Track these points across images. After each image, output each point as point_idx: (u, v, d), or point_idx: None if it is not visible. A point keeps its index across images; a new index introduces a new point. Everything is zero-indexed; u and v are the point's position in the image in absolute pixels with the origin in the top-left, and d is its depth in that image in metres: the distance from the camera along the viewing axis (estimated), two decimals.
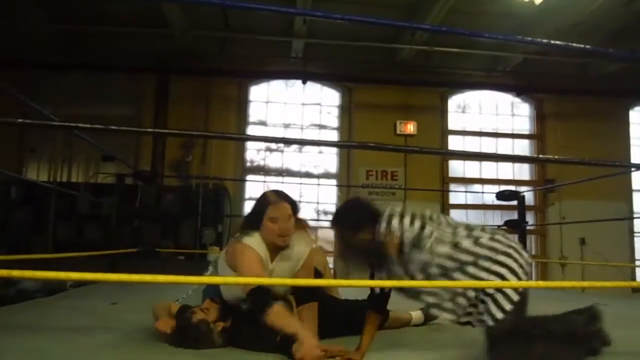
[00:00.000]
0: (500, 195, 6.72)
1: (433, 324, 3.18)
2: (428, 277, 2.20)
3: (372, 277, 2.37)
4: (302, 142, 10.30)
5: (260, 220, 2.64)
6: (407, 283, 2.23)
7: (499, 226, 7.15)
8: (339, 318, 2.77)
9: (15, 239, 8.13)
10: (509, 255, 2.19)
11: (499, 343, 2.06)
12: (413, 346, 2.64)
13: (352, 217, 2.43)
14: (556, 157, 7.26)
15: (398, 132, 9.40)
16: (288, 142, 10.44)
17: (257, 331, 2.40)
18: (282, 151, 9.93)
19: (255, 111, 9.96)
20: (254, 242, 2.62)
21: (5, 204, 8.40)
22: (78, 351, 2.32)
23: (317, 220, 9.60)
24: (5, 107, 6.88)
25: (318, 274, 2.82)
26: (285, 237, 2.64)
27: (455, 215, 9.60)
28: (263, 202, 2.70)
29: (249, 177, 9.73)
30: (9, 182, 8.40)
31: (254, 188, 9.38)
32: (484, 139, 10.43)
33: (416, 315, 3.16)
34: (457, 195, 9.93)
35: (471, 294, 2.19)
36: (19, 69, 8.77)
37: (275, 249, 2.67)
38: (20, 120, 1.96)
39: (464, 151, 9.24)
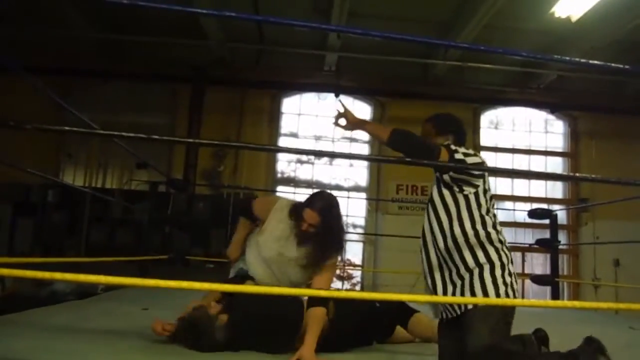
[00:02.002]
0: (532, 213, 6.63)
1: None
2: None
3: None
4: (332, 155, 10.32)
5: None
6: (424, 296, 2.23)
7: (530, 245, 7.06)
8: (353, 329, 2.82)
9: (50, 241, 8.34)
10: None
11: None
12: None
13: (447, 121, 2.66)
14: (591, 175, 7.13)
15: None
16: (318, 154, 10.46)
17: (261, 327, 2.53)
18: (312, 163, 9.97)
19: (287, 123, 10.05)
20: (284, 203, 2.96)
21: (42, 206, 8.62)
22: (112, 353, 2.37)
23: (347, 232, 9.58)
24: (44, 112, 7.11)
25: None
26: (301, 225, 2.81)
27: None
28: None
29: (279, 188, 9.79)
30: (47, 186, 8.62)
31: None
32: (517, 156, 10.31)
33: None
34: None
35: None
36: (58, 75, 9.00)
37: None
38: (67, 128, 2.02)
39: (494, 167, 9.11)
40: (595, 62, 2.14)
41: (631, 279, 8.81)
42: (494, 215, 2.47)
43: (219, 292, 2.81)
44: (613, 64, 2.08)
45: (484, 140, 10.12)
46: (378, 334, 3.02)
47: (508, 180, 10.10)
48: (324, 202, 2.89)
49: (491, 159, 10.06)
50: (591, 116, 9.98)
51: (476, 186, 2.42)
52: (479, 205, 2.41)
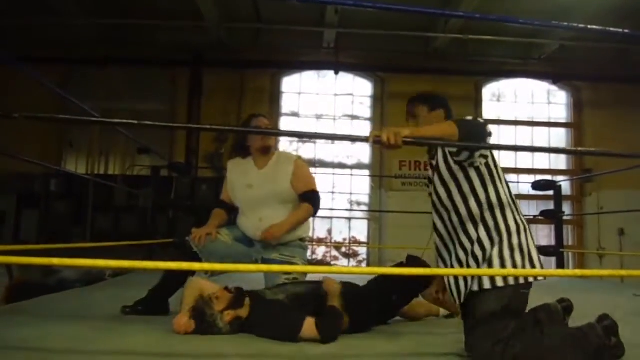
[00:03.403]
0: (536, 185, 6.62)
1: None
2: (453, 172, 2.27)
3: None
4: (333, 137, 10.28)
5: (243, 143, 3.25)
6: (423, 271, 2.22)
7: (534, 216, 7.06)
8: (369, 317, 2.79)
9: (55, 230, 8.36)
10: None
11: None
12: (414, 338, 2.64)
13: (435, 96, 2.59)
14: (592, 149, 7.10)
15: None
16: (316, 137, 10.43)
17: (274, 319, 2.49)
18: (314, 142, 9.94)
19: (287, 102, 10.00)
20: (232, 163, 3.30)
21: (45, 196, 8.64)
22: (119, 338, 2.39)
23: (351, 210, 9.61)
24: (46, 101, 7.09)
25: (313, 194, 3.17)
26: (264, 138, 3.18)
27: None
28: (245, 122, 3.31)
29: None
30: (49, 175, 8.63)
31: None
32: (519, 128, 10.26)
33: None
34: None
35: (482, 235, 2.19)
36: (58, 63, 8.97)
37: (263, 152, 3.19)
38: (69, 116, 2.01)
39: (497, 145, 9.08)
40: (594, 26, 2.11)
41: (636, 247, 8.81)
42: (507, 184, 2.32)
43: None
44: (612, 29, 2.05)
45: (486, 113, 10.05)
46: (393, 314, 3.00)
47: (511, 152, 10.06)
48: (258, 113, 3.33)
49: (494, 132, 9.97)
50: (594, 86, 9.89)
51: (486, 156, 2.27)
52: (492, 176, 2.27)
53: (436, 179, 2.35)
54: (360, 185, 9.80)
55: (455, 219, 2.27)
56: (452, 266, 2.28)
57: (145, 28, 8.85)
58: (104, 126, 9.17)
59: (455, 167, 2.28)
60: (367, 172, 9.88)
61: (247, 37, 9.32)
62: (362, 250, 9.84)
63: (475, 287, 2.13)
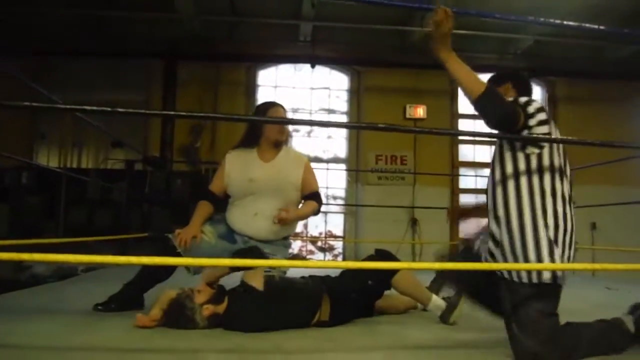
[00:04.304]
0: None
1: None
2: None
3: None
4: (311, 123, 10.25)
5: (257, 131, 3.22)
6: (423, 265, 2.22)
7: None
8: (349, 304, 2.80)
9: (27, 225, 8.20)
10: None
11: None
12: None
13: (499, 74, 2.65)
14: (564, 137, 7.16)
15: (407, 116, 9.32)
16: (297, 123, 10.41)
17: (253, 313, 2.51)
18: (290, 136, 9.89)
19: (263, 96, 9.93)
20: (231, 154, 3.32)
21: (16, 190, 8.46)
22: (92, 334, 2.35)
23: (327, 204, 9.61)
24: (17, 94, 6.93)
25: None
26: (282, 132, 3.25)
27: (465, 200, 9.58)
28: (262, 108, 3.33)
29: None
30: (20, 168, 8.45)
31: None
32: None
33: (434, 301, 3.00)
34: (467, 180, 9.89)
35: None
36: (30, 56, 8.77)
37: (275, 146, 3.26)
38: (26, 103, 1.95)
39: (471, 131, 9.15)
40: (570, 22, 2.13)
41: (607, 241, 8.96)
42: (560, 178, 2.29)
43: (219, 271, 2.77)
44: (587, 24, 2.07)
45: (462, 108, 10.09)
46: (372, 307, 3.02)
47: (486, 147, 10.08)
48: (275, 102, 3.39)
49: (469, 126, 10.09)
50: (569, 81, 10.00)
51: (541, 147, 2.23)
52: (541, 168, 2.22)
53: (491, 163, 2.39)
54: (337, 179, 9.80)
55: (498, 209, 2.27)
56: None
57: (119, 19, 8.71)
58: (76, 118, 8.97)
59: (505, 153, 2.31)
60: (343, 166, 9.88)
61: (222, 29, 9.22)
62: (338, 244, 9.85)
63: (526, 280, 2.16)
